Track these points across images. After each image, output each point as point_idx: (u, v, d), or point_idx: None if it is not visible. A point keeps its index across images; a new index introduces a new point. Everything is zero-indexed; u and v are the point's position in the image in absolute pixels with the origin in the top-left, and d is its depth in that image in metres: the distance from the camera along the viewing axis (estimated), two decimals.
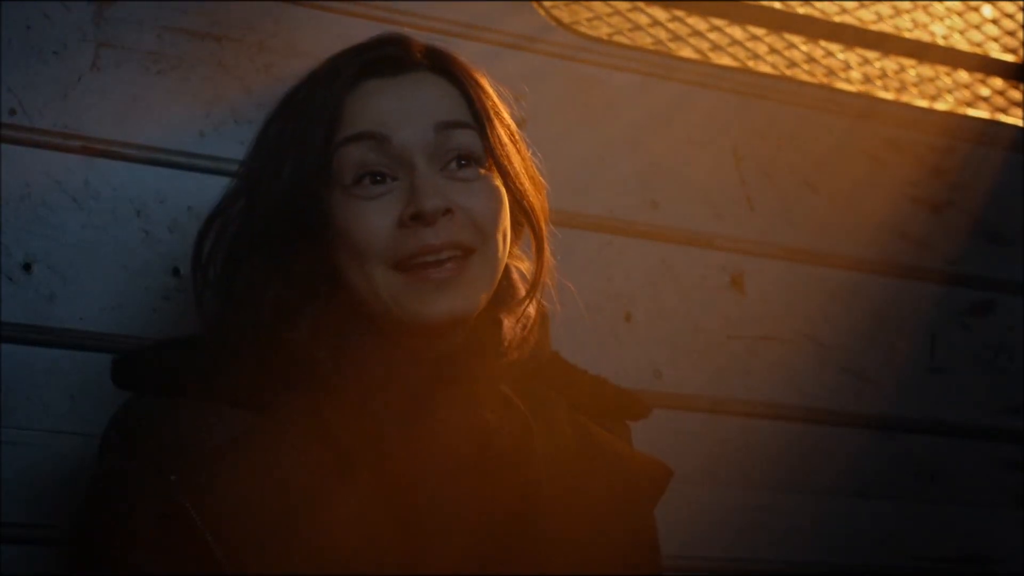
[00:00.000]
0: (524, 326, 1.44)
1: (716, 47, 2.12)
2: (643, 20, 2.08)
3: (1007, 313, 2.22)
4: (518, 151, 1.44)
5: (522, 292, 1.46)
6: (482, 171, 1.39)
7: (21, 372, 1.60)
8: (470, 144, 1.39)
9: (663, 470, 1.45)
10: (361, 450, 1.31)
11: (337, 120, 1.37)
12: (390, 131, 1.36)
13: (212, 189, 1.53)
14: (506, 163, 1.40)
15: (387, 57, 1.41)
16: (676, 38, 2.09)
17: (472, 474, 1.33)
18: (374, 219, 1.35)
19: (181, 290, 1.66)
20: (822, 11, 2.22)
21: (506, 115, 1.45)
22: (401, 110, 1.38)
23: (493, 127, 1.40)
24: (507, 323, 1.42)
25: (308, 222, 1.37)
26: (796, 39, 2.20)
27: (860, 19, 2.25)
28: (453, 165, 1.38)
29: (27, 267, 1.61)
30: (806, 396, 2.06)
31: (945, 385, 2.17)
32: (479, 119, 1.39)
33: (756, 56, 2.15)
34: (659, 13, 2.09)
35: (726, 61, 2.10)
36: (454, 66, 1.42)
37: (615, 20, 2.06)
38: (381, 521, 1.29)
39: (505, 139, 1.42)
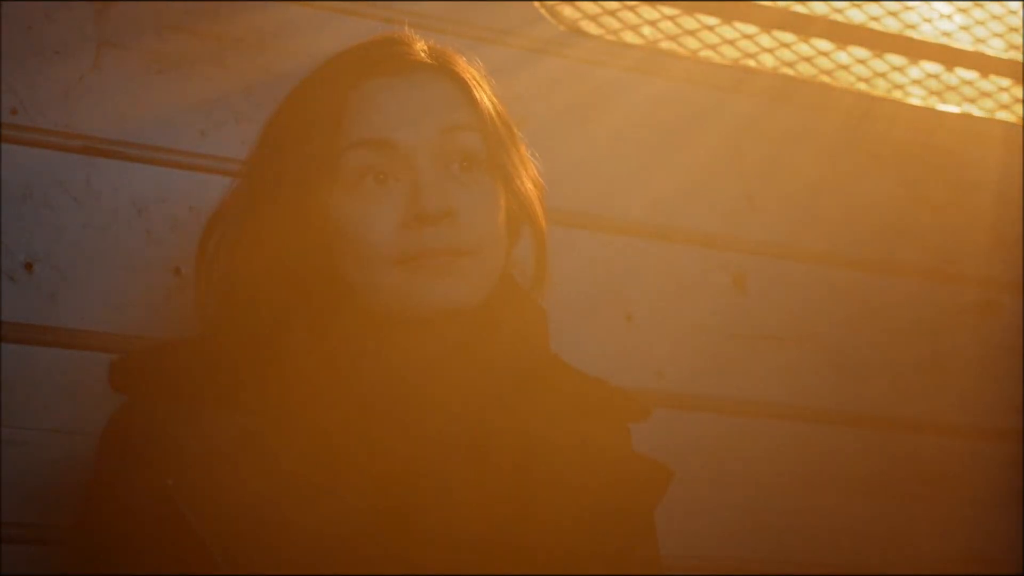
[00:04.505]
0: (522, 326, 1.44)
1: (723, 42, 2.12)
2: (648, 15, 2.08)
3: (1007, 313, 2.22)
4: (518, 152, 1.45)
5: (520, 292, 1.46)
6: (484, 173, 1.39)
7: (22, 372, 1.60)
8: (473, 146, 1.39)
9: (663, 473, 1.44)
10: (357, 450, 1.31)
11: (340, 120, 1.37)
12: (395, 134, 1.36)
13: (214, 189, 1.53)
14: (508, 165, 1.41)
15: (390, 56, 1.41)
16: (681, 33, 2.09)
17: (468, 474, 1.33)
18: (377, 219, 1.35)
19: (183, 290, 1.66)
20: (829, 6, 2.22)
21: (507, 116, 1.45)
22: (405, 111, 1.38)
23: (495, 129, 1.41)
24: (505, 323, 1.42)
25: (310, 222, 1.37)
26: (796, 36, 2.20)
27: (865, 13, 2.25)
28: (455, 167, 1.38)
29: (28, 267, 1.61)
30: (807, 396, 2.06)
31: (945, 384, 2.17)
32: (482, 121, 1.40)
33: (758, 53, 2.14)
34: (665, 8, 2.09)
35: (727, 58, 2.10)
36: (457, 66, 1.42)
37: (616, 17, 2.05)
38: (378, 521, 1.29)
39: (507, 141, 1.42)
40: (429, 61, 1.41)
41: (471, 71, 1.43)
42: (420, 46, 1.42)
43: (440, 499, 1.31)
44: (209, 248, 1.44)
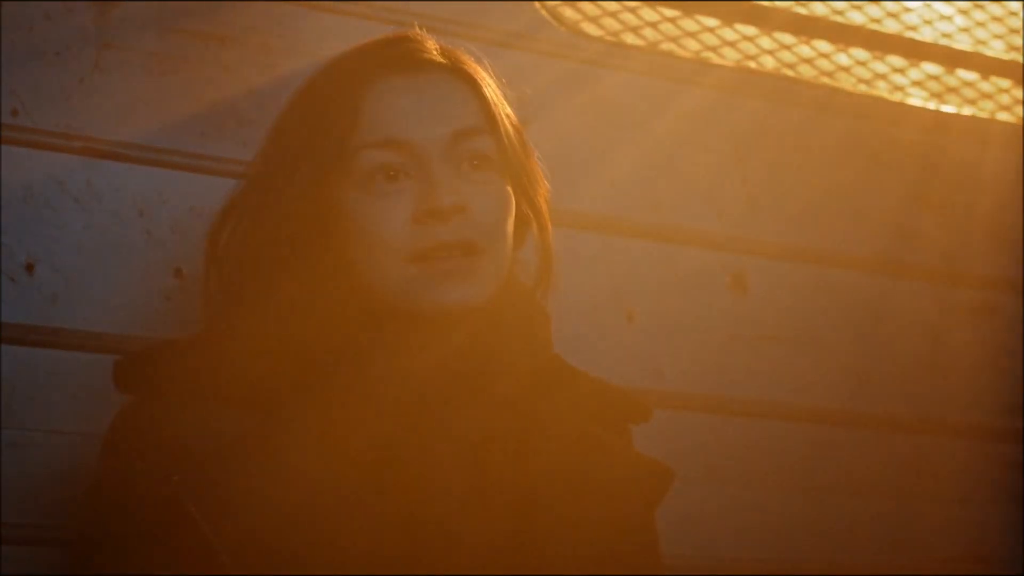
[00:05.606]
0: (526, 328, 1.45)
1: (722, 43, 2.12)
2: (649, 17, 2.08)
3: (1007, 313, 2.22)
4: (527, 154, 1.45)
5: (525, 294, 1.47)
6: (494, 174, 1.40)
7: (23, 373, 1.60)
8: (484, 147, 1.40)
9: (664, 473, 1.45)
10: (366, 450, 1.31)
11: (354, 119, 1.38)
12: (409, 134, 1.37)
13: (215, 190, 1.54)
14: (516, 166, 1.42)
15: (404, 54, 1.41)
16: (682, 34, 2.09)
17: (474, 475, 1.34)
18: (389, 214, 1.36)
19: (184, 291, 1.66)
20: (830, 8, 2.22)
21: (514, 117, 1.46)
22: (419, 112, 1.38)
23: (505, 130, 1.41)
24: (511, 324, 1.43)
25: (322, 219, 1.38)
26: (797, 38, 2.20)
27: (866, 15, 2.25)
28: (466, 166, 1.39)
29: (29, 268, 1.61)
30: (807, 396, 2.07)
31: (945, 385, 2.17)
32: (493, 123, 1.40)
33: (758, 55, 2.15)
34: (665, 10, 2.09)
35: (728, 59, 2.10)
36: (468, 67, 1.43)
37: (617, 18, 2.05)
38: (386, 521, 1.30)
39: (516, 143, 1.43)
40: (442, 60, 1.42)
41: (481, 72, 1.44)
42: (432, 45, 1.43)
43: (446, 497, 1.31)
44: (220, 244, 1.44)
